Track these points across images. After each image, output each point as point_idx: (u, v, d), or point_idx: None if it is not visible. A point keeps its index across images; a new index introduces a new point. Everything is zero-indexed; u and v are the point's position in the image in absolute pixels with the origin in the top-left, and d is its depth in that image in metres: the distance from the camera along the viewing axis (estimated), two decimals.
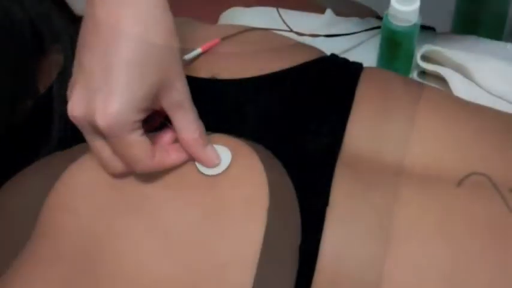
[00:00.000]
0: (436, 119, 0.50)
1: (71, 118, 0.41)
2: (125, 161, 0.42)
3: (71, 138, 0.46)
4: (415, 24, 0.66)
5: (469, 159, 0.47)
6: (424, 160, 0.47)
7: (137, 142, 0.41)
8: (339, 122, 0.49)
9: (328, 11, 0.87)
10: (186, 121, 0.44)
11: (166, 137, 0.45)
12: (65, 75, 0.47)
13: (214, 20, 0.91)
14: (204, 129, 0.45)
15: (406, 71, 0.71)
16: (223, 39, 0.56)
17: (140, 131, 0.41)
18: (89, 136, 0.42)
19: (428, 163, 0.47)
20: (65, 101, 0.45)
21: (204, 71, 0.52)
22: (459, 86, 0.67)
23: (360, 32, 0.76)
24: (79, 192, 0.44)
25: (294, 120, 0.49)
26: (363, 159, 0.47)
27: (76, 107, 0.41)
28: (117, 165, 0.43)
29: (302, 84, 0.52)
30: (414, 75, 0.72)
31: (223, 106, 0.50)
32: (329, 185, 0.44)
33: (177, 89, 0.43)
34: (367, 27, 0.78)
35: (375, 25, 0.78)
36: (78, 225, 0.43)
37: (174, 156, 0.44)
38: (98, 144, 0.42)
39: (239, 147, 0.46)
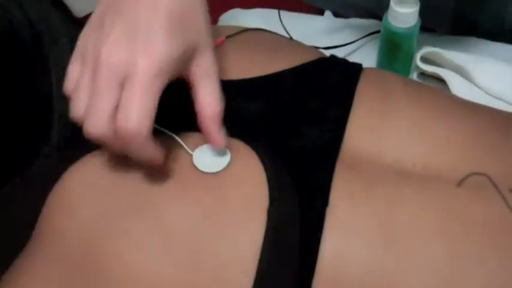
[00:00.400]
0: (435, 118, 0.50)
1: (105, 63, 0.40)
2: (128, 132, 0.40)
3: (71, 138, 0.46)
4: (414, 26, 0.66)
5: (469, 159, 0.47)
6: (424, 160, 0.47)
7: (153, 109, 0.40)
8: (339, 122, 0.49)
9: (327, 13, 0.87)
10: (210, 92, 0.44)
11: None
12: (64, 75, 0.47)
13: (213, 21, 0.91)
14: (223, 107, 0.45)
15: (406, 72, 0.71)
16: (227, 37, 0.56)
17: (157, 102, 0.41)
18: (107, 85, 0.40)
19: (428, 163, 0.47)
20: (65, 102, 0.45)
21: None
22: (459, 87, 0.67)
23: (358, 39, 0.77)
24: (79, 193, 0.44)
25: (294, 120, 0.49)
26: (362, 159, 0.47)
27: (116, 50, 0.40)
28: (111, 131, 0.41)
29: (302, 84, 0.52)
30: (414, 76, 0.73)
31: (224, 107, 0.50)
32: (329, 185, 0.44)
33: (207, 56, 0.44)
34: (366, 29, 0.79)
35: (374, 26, 0.78)
36: (78, 225, 0.43)
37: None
38: (110, 95, 0.40)
39: (239, 147, 0.46)
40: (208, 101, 0.44)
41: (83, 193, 0.44)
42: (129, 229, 0.42)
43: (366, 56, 0.76)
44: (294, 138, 0.48)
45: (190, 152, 0.45)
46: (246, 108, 0.50)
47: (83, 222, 0.43)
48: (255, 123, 0.49)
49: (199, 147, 0.46)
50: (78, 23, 0.52)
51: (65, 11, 0.52)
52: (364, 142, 0.48)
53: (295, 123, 0.49)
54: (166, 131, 0.46)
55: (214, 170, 0.44)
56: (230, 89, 0.51)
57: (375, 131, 0.49)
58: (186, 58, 0.42)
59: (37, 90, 0.47)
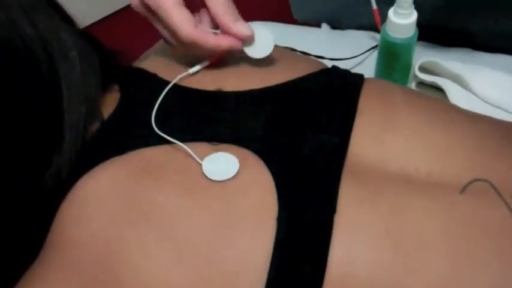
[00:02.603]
0: (435, 126, 0.51)
1: None
2: (169, 29, 0.51)
3: (82, 150, 0.47)
4: (412, 37, 0.67)
5: (471, 166, 0.48)
6: (427, 167, 0.48)
7: (176, 9, 0.50)
8: (344, 131, 0.49)
9: (324, 25, 0.88)
10: None
11: (205, 16, 0.53)
12: (74, 88, 0.48)
13: None
14: (234, 7, 0.52)
15: (404, 82, 0.72)
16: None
17: (181, 2, 0.50)
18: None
19: (431, 170, 0.48)
20: (75, 114, 0.45)
21: (209, 84, 0.53)
22: (457, 96, 0.68)
23: (361, 54, 0.77)
24: (91, 202, 0.44)
25: (300, 129, 0.50)
26: (367, 167, 0.48)
27: None
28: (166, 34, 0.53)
29: (306, 95, 0.53)
30: (412, 86, 0.73)
31: (230, 118, 0.51)
32: (336, 192, 0.45)
33: None
34: (363, 40, 0.80)
35: (371, 37, 0.79)
36: (90, 234, 0.43)
37: (219, 37, 0.52)
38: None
39: (247, 156, 0.47)
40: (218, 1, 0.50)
41: (95, 202, 0.44)
42: (139, 238, 0.43)
43: (364, 67, 0.77)
44: (299, 147, 0.48)
45: (200, 161, 0.46)
46: (252, 118, 0.50)
47: (95, 232, 0.43)
48: (261, 132, 0.49)
49: (208, 156, 0.46)
50: (85, 36, 0.53)
51: (73, 24, 0.53)
52: (368, 150, 0.49)
53: (300, 133, 0.49)
54: (175, 141, 0.47)
55: (223, 178, 0.45)
56: (235, 99, 0.52)
57: (378, 139, 0.50)
58: None
59: (46, 101, 0.47)
